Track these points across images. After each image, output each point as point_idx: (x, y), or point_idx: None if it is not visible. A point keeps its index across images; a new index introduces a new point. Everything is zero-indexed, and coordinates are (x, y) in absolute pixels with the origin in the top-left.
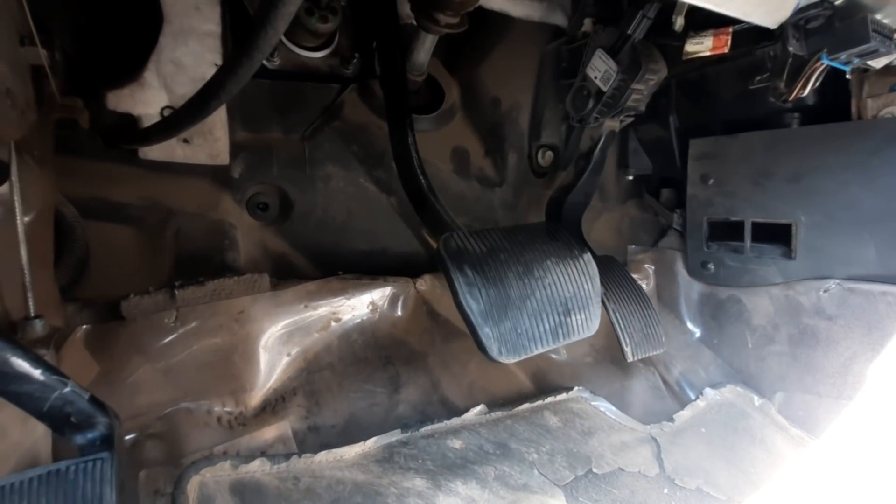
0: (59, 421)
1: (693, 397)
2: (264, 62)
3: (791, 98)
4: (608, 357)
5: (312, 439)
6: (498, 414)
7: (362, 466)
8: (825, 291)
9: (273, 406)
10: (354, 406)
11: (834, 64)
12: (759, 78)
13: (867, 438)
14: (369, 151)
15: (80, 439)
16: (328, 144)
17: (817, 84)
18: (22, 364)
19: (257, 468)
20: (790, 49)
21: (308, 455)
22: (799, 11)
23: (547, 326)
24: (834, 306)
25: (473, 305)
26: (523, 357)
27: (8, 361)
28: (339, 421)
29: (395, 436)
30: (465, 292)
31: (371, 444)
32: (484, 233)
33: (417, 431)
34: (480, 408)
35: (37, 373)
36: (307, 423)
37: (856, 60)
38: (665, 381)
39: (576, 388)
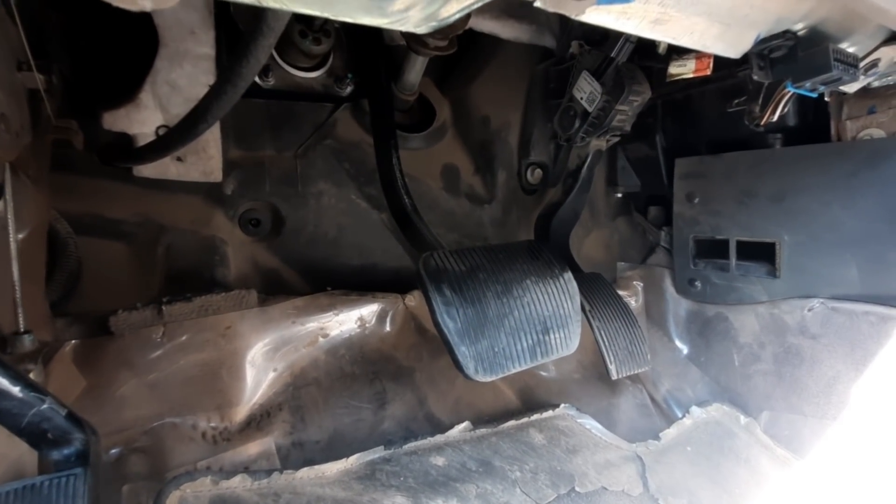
0: (36, 437)
1: (680, 415)
2: (259, 82)
3: (762, 123)
4: (596, 374)
5: (296, 455)
6: (483, 431)
7: (343, 483)
8: (809, 310)
9: (258, 421)
10: (339, 422)
11: (800, 91)
12: (736, 101)
13: (850, 459)
14: (361, 169)
15: (56, 455)
16: (320, 162)
17: (785, 110)
18: (1, 381)
19: (238, 484)
20: (755, 77)
21: (290, 471)
22: (761, 42)
23: (525, 345)
24: (818, 325)
25: (451, 324)
26: (500, 375)
27: None
28: (324, 437)
29: (377, 452)
30: (442, 311)
31: (353, 460)
32: (464, 252)
33: (401, 448)
34: (465, 424)
35: (15, 389)
36: (291, 438)
37: (821, 88)
38: (653, 399)
39: (562, 405)
